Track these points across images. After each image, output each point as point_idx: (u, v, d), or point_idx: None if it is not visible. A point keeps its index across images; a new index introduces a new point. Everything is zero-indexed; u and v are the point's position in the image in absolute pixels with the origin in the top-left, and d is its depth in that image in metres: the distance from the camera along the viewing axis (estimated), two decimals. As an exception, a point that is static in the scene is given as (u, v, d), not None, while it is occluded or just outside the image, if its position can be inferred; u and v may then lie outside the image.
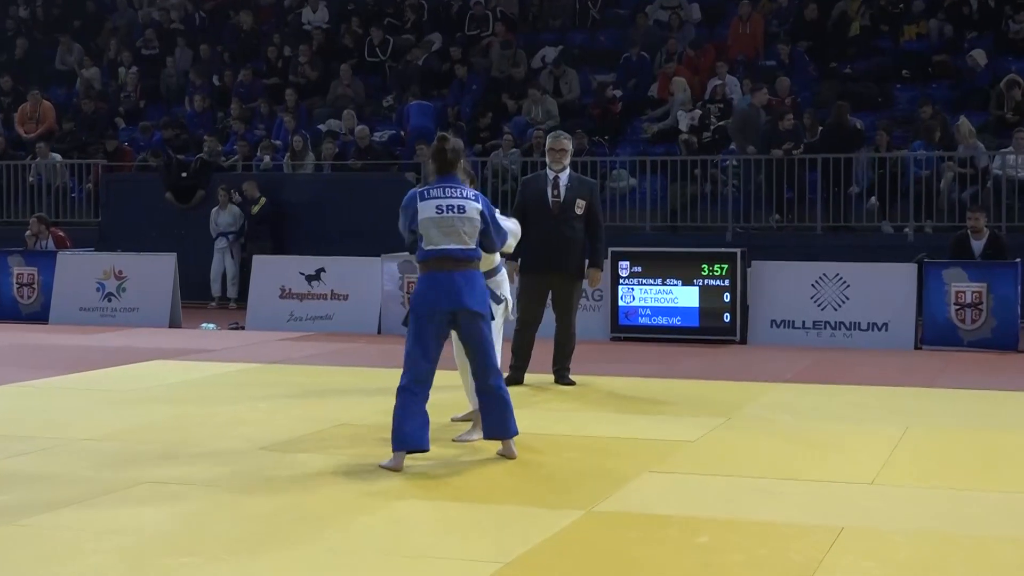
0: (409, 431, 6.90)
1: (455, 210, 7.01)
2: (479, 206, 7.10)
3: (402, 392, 6.98)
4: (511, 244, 7.89)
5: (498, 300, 7.72)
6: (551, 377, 10.04)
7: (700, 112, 17.52)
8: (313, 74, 20.42)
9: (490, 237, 7.19)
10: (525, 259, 9.56)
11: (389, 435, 6.92)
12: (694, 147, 16.65)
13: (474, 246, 7.08)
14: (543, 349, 9.93)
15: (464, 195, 7.07)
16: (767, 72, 18.06)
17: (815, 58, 18.62)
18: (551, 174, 9.77)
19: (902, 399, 9.50)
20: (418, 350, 6.99)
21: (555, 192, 9.78)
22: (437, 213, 7.00)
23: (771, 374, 10.79)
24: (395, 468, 6.90)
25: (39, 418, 8.58)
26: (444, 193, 7.05)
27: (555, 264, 9.73)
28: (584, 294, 13.40)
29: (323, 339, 13.41)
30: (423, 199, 7.05)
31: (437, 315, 6.98)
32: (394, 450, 6.95)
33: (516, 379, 9.70)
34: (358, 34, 21.15)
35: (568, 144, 9.76)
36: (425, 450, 6.99)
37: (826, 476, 6.84)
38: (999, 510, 6.20)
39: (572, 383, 9.94)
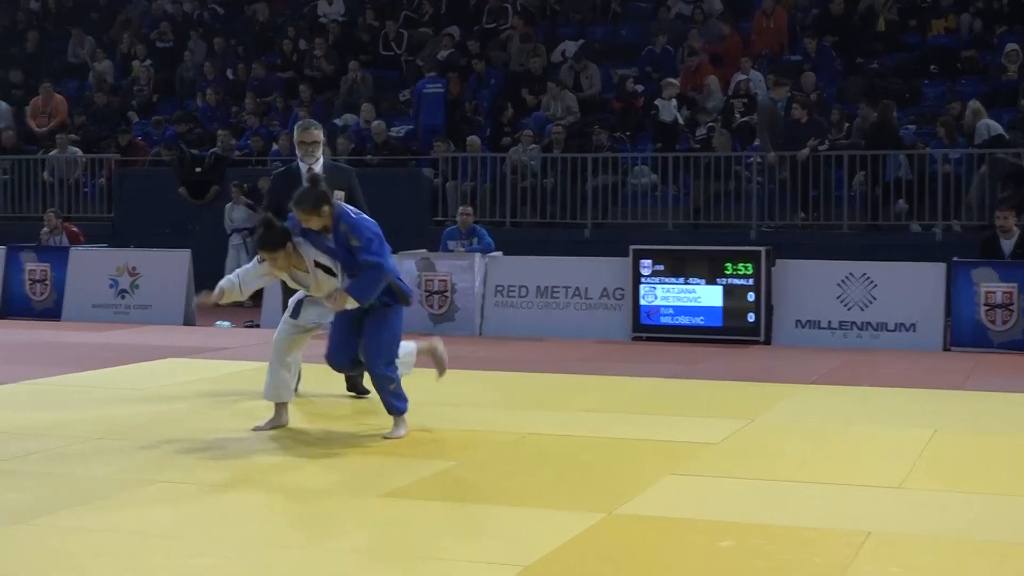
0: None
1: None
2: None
3: None
4: None
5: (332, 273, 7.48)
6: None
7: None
8: (329, 68, 20.28)
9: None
10: None
11: (395, 439, 7.08)
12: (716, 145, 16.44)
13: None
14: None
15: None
16: (792, 67, 17.83)
17: (841, 53, 18.38)
18: (304, 167, 8.75)
19: (930, 402, 9.35)
20: None
21: None
22: None
23: (796, 375, 10.63)
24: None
25: (50, 416, 8.47)
26: None
27: None
28: (604, 292, 13.31)
29: (339, 336, 13.24)
30: None
31: None
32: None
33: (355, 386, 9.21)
34: (374, 27, 21.00)
35: (320, 135, 9.10)
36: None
37: (852, 480, 6.71)
38: (1031, 517, 6.06)
39: (366, 392, 9.02)
